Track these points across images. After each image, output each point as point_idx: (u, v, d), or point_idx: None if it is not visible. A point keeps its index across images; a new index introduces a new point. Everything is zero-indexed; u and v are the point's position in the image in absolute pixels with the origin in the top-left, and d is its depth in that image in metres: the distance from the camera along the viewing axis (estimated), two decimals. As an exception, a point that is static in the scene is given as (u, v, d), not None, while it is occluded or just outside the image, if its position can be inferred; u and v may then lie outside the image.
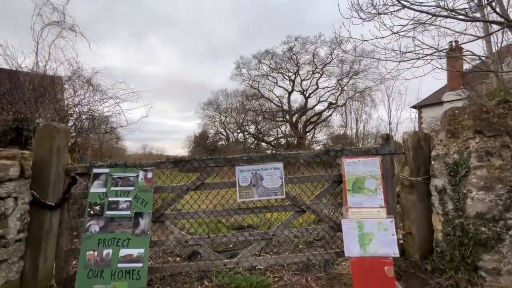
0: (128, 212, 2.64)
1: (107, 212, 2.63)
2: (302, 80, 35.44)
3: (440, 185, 2.61)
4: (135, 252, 2.54)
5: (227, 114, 41.56)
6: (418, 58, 5.46)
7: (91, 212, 2.62)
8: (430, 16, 5.04)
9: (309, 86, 35.66)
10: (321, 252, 2.92)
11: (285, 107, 36.88)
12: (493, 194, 2.15)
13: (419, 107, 23.37)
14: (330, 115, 35.71)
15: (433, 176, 2.73)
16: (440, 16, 4.94)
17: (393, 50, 5.61)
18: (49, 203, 2.56)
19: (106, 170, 2.75)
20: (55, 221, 2.66)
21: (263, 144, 38.73)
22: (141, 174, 2.76)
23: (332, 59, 33.55)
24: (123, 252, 2.53)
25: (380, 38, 5.44)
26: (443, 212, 2.58)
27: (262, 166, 2.83)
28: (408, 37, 5.39)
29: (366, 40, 5.55)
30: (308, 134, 37.69)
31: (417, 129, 23.91)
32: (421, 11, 5.01)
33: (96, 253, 2.51)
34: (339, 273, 3.06)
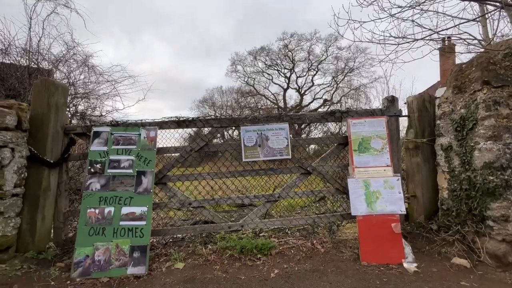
0: (131, 171, 2.56)
1: (109, 171, 2.54)
2: (297, 77, 35.55)
3: (446, 142, 2.61)
4: (138, 210, 2.46)
5: (222, 111, 41.44)
6: (417, 40, 5.51)
7: (92, 170, 2.53)
8: (428, -3, 5.06)
9: (305, 83, 35.77)
10: (327, 215, 2.89)
11: (281, 104, 36.95)
12: (501, 143, 2.16)
13: (413, 102, 23.70)
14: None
15: (439, 136, 2.73)
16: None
17: (391, 35, 5.63)
18: (47, 160, 2.46)
19: (107, 129, 2.66)
20: (54, 181, 2.56)
21: (259, 141, 38.74)
22: (143, 132, 2.68)
23: (327, 56, 33.73)
24: (126, 210, 2.45)
25: (378, 20, 5.47)
26: (449, 169, 2.58)
27: (267, 126, 2.79)
28: (406, 20, 5.43)
29: (364, 22, 5.56)
30: (303, 131, 37.87)
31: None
32: (419, -8, 5.04)
33: (97, 211, 2.42)
34: (344, 239, 3.04)
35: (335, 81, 34.41)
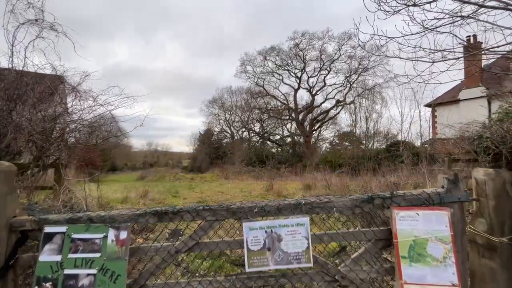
0: (91, 292, 1.86)
1: (62, 292, 1.86)
2: (308, 77, 34.36)
3: (546, 257, 1.77)
4: None
5: (231, 112, 40.71)
6: (459, 58, 4.54)
7: (40, 291, 1.86)
8: (475, 8, 4.09)
9: (316, 83, 34.59)
10: (361, 338, 2.10)
11: (291, 105, 35.86)
12: None
13: (434, 105, 22.17)
14: (338, 113, 34.60)
15: (531, 241, 1.88)
16: (489, 7, 4.01)
17: (422, 48, 4.68)
18: (-22, 282, 1.80)
19: (63, 229, 1.98)
20: (-8, 301, 1.91)
21: (269, 143, 37.83)
22: (111, 233, 1.98)
23: (340, 55, 32.35)
24: None
25: (409, 35, 4.54)
26: (551, 298, 1.74)
27: (280, 222, 2.02)
28: (442, 32, 4.46)
29: (392, 38, 4.65)
30: (314, 132, 36.63)
31: (430, 130, 22.61)
32: (465, 2, 4.08)
33: None
34: None
35: (348, 81, 33.01)
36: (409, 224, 1.99)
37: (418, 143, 21.61)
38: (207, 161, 34.91)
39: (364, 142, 24.64)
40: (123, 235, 1.98)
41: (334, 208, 2.05)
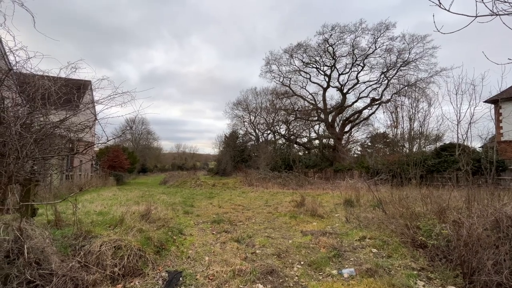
0: None
1: None
2: (339, 75, 31.51)
3: None
4: None
5: (256, 114, 39.14)
6: None
7: None
8: None
9: (347, 81, 31.61)
10: None
11: (320, 105, 33.24)
12: None
13: (500, 101, 18.33)
14: (373, 112, 31.19)
15: None
16: None
17: None
18: None
19: None
20: None
21: (296, 145, 35.53)
22: None
23: (376, 49, 29.07)
24: None
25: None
26: None
27: None
28: None
29: None
30: (346, 134, 33.57)
31: (494, 130, 18.77)
32: None
33: None
34: None
35: (386, 77, 29.60)
36: None
37: (475, 146, 17.99)
38: (231, 165, 33.70)
39: (406, 145, 21.38)
40: None
41: None
